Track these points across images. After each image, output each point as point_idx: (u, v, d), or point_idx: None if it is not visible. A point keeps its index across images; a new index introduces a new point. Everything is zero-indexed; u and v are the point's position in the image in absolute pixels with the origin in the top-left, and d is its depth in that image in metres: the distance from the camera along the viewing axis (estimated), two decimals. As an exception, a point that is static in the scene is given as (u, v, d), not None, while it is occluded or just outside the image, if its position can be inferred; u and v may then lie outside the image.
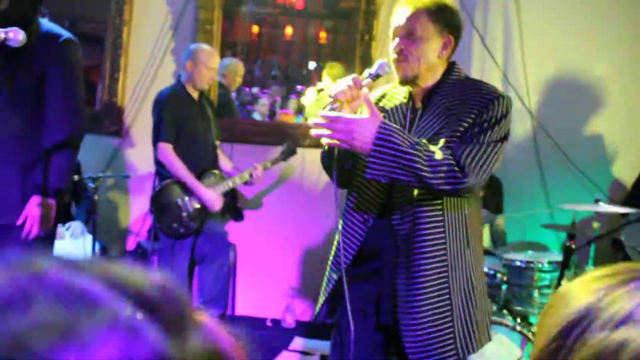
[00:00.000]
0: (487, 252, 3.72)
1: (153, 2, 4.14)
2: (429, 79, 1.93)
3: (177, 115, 3.57)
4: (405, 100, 1.98)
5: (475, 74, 4.10)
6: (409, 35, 1.88)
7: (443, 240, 1.86)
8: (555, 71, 4.16)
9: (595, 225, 3.23)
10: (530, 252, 3.45)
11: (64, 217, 3.69)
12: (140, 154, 4.15)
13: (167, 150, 3.53)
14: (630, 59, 4.13)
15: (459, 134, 1.84)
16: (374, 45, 4.21)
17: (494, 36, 4.14)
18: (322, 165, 2.04)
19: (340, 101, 1.81)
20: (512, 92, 4.12)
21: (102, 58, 4.16)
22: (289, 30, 8.13)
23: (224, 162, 3.92)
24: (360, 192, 1.98)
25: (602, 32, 4.11)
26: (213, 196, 3.58)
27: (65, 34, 2.39)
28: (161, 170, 3.62)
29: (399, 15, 1.92)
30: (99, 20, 4.24)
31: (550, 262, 3.19)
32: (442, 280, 1.86)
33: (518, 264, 3.19)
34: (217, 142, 3.87)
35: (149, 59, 4.18)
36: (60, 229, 3.60)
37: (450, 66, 1.96)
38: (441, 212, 1.87)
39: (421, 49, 1.88)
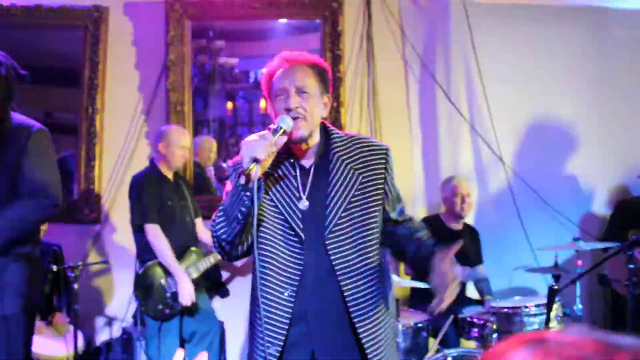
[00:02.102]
0: (476, 302, 3.71)
1: (124, 88, 4.24)
2: (315, 138, 1.94)
3: (154, 195, 3.60)
4: (289, 161, 1.95)
5: (442, 128, 4.20)
6: (300, 93, 1.88)
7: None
8: (522, 117, 4.27)
9: (579, 263, 3.24)
10: (517, 297, 3.43)
11: (45, 309, 3.64)
12: (120, 239, 4.14)
13: (156, 231, 3.54)
14: (596, 99, 4.27)
15: (388, 197, 1.96)
16: (342, 111, 4.31)
17: (458, 90, 4.27)
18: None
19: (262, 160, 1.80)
20: (481, 142, 4.22)
21: (77, 147, 4.21)
22: (263, 103, 8.32)
23: (207, 238, 3.92)
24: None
25: (566, 73, 4.27)
26: (189, 290, 3.54)
27: (36, 124, 2.43)
28: (142, 253, 3.62)
29: (287, 73, 1.91)
30: (73, 110, 4.32)
31: (537, 305, 3.17)
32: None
33: (505, 310, 3.17)
34: (198, 220, 3.88)
35: (124, 145, 4.24)
36: (38, 324, 3.54)
37: (324, 125, 2.00)
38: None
39: (313, 106, 1.89)
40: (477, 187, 4.17)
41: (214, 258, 3.73)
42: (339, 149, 1.94)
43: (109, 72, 4.24)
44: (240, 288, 4.25)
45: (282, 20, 4.88)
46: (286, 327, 1.87)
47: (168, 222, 3.63)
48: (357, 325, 1.87)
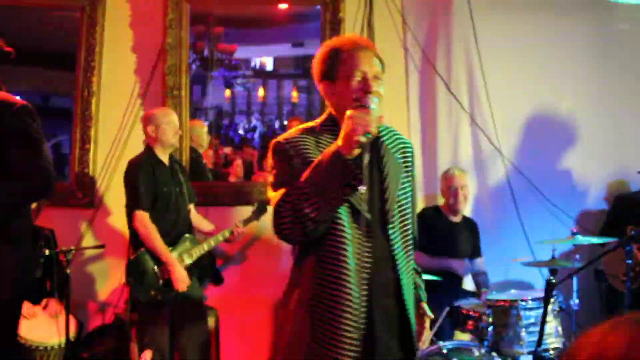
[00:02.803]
0: (472, 295, 3.68)
1: (120, 71, 4.19)
2: None
3: (149, 181, 3.56)
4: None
5: (442, 119, 4.16)
6: (376, 79, 1.92)
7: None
8: (522, 110, 4.23)
9: (576, 257, 3.22)
10: (513, 290, 3.41)
11: (37, 294, 3.60)
12: (115, 224, 4.11)
13: (144, 218, 3.49)
14: (596, 93, 4.23)
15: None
16: (341, 98, 4.26)
17: (459, 81, 4.22)
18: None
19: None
20: (480, 134, 4.18)
21: (72, 130, 4.17)
22: (261, 91, 8.26)
23: (203, 224, 3.89)
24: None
25: (566, 68, 4.22)
26: (182, 275, 3.52)
27: (19, 101, 2.38)
28: (136, 238, 3.57)
29: (366, 57, 1.94)
30: (70, 94, 4.27)
31: (534, 299, 3.15)
32: None
33: (501, 303, 3.15)
34: (192, 206, 3.84)
35: (119, 128, 4.19)
36: (30, 309, 3.50)
37: None
38: None
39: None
40: (475, 179, 4.13)
41: (207, 245, 3.70)
42: (384, 137, 2.01)
43: (105, 54, 4.18)
44: (234, 275, 4.23)
45: (283, 7, 4.82)
46: (364, 315, 1.88)
47: (163, 208, 3.59)
48: (408, 315, 1.94)
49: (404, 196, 1.99)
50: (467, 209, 3.95)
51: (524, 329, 3.08)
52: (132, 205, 3.52)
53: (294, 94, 8.45)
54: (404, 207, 1.99)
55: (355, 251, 1.88)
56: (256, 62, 7.98)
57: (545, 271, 3.59)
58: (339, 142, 1.81)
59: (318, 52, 2.03)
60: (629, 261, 2.97)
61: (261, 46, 7.70)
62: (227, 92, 7.71)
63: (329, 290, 1.87)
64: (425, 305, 2.09)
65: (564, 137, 4.22)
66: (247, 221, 3.84)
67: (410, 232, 2.01)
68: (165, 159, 3.69)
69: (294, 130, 2.03)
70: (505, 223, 4.06)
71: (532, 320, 3.11)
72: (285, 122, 8.36)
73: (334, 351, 1.85)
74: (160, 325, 3.54)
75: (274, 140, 2.01)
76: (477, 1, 4.18)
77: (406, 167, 2.03)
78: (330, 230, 1.86)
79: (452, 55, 4.20)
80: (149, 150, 3.68)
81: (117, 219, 4.01)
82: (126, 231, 3.70)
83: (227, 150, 6.41)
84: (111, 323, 4.02)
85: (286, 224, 1.83)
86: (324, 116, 2.05)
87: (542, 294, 3.14)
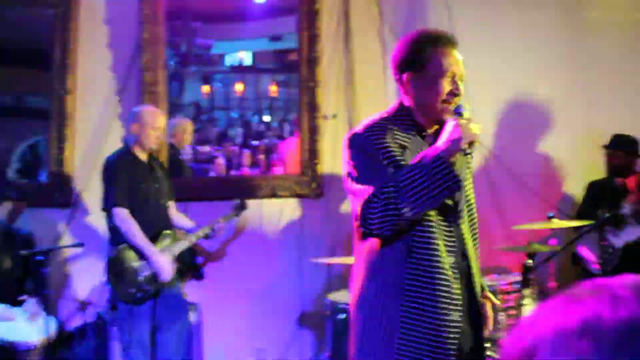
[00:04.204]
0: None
1: (96, 69, 4.15)
2: None
3: (127, 178, 3.54)
4: (422, 136, 2.02)
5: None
6: (461, 81, 2.00)
7: None
8: (499, 97, 4.28)
9: (553, 241, 3.27)
10: (493, 275, 3.45)
11: (15, 296, 3.57)
12: (93, 223, 4.08)
13: (123, 215, 3.48)
14: (571, 79, 4.29)
15: None
16: (318, 91, 4.27)
17: (435, 71, 4.24)
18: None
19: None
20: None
21: (48, 130, 4.12)
22: (239, 86, 8.24)
23: (182, 221, 3.88)
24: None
25: (541, 54, 4.27)
26: (165, 265, 3.51)
27: None
28: (114, 236, 3.56)
29: (456, 58, 1.99)
30: (44, 93, 4.22)
31: (511, 283, 3.19)
32: None
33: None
34: (171, 202, 3.83)
35: (97, 126, 4.16)
36: (9, 310, 3.47)
37: None
38: None
39: None
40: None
41: (188, 241, 3.69)
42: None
43: (80, 52, 4.14)
44: (214, 271, 4.22)
45: (259, 0, 4.81)
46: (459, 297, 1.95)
47: (141, 205, 3.57)
48: (478, 301, 2.05)
49: (469, 188, 2.09)
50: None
51: (504, 313, 3.12)
52: (110, 203, 3.50)
53: (273, 88, 8.45)
54: (469, 198, 2.09)
55: (442, 238, 1.94)
56: (234, 57, 7.96)
57: (523, 256, 3.64)
58: (441, 145, 1.85)
59: (405, 37, 2.02)
60: (605, 243, 3.03)
61: (239, 41, 7.68)
62: (205, 88, 7.68)
63: (426, 277, 1.91)
64: (489, 293, 2.17)
65: (540, 123, 4.28)
66: (226, 218, 3.84)
67: (476, 221, 2.12)
68: (143, 156, 3.68)
69: (369, 122, 2.03)
70: (482, 208, 4.09)
71: (511, 304, 3.16)
72: (265, 117, 8.36)
73: (437, 334, 1.90)
74: (141, 323, 3.52)
75: (351, 132, 2.01)
76: (452, -8, 4.21)
77: (468, 161, 2.10)
78: (419, 220, 1.92)
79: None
80: (126, 148, 3.66)
81: (96, 218, 3.98)
82: (104, 229, 3.68)
83: (207, 147, 6.40)
84: (92, 322, 4.00)
85: (376, 220, 1.86)
86: (395, 106, 2.04)
87: (519, 278, 3.19)
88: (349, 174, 1.97)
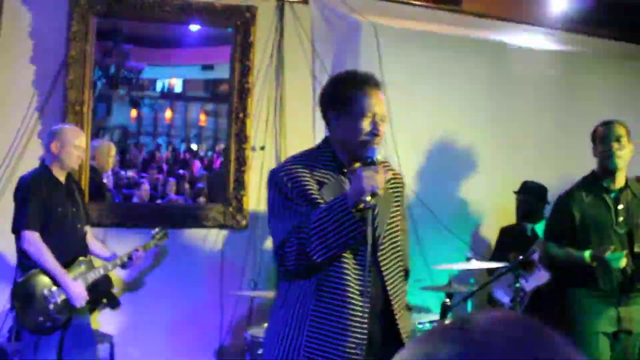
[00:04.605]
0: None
1: (16, 83, 3.97)
2: None
3: (42, 200, 3.37)
4: (342, 173, 2.06)
5: (348, 146, 4.26)
6: (382, 122, 2.04)
7: None
8: (424, 138, 4.42)
9: (471, 282, 3.35)
10: (412, 315, 3.49)
11: None
12: (1, 245, 3.83)
13: (33, 238, 3.29)
14: (493, 127, 4.49)
15: None
16: (248, 122, 4.27)
17: (364, 110, 4.33)
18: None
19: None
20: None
21: (-41, 144, 3.89)
22: (168, 113, 8.12)
23: (99, 248, 3.72)
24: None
25: (466, 102, 4.47)
26: (78, 290, 3.35)
27: None
28: (24, 261, 3.36)
29: (377, 98, 2.03)
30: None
31: (430, 322, 3.25)
32: None
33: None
34: (87, 227, 3.68)
35: (12, 143, 3.96)
36: None
37: None
38: None
39: None
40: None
41: (103, 269, 3.54)
42: None
43: (0, 64, 3.95)
44: (131, 301, 4.06)
45: (193, 28, 4.78)
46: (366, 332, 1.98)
47: (56, 228, 3.40)
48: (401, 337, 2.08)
49: (394, 225, 2.09)
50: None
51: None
52: (19, 225, 3.32)
53: (202, 117, 8.39)
54: (395, 236, 2.09)
55: (353, 274, 1.96)
56: (165, 83, 7.86)
57: (442, 295, 3.71)
58: (347, 193, 1.90)
59: (332, 77, 2.13)
60: (517, 284, 3.14)
61: (170, 67, 7.60)
62: (133, 112, 7.52)
63: (332, 311, 1.94)
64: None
65: (464, 166, 4.44)
66: (146, 247, 3.72)
67: (400, 259, 2.11)
68: (61, 177, 3.52)
69: (290, 158, 2.11)
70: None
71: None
72: (193, 146, 8.26)
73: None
74: (47, 354, 3.32)
75: (271, 171, 2.06)
76: (384, 33, 4.34)
77: (397, 199, 2.12)
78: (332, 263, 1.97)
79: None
80: (44, 167, 3.50)
81: (4, 240, 3.74)
82: (13, 253, 3.46)
83: (132, 172, 6.23)
84: (-8, 352, 3.73)
85: (291, 260, 1.94)
86: (320, 143, 2.11)
87: (438, 317, 3.25)
88: (268, 211, 2.04)
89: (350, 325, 1.94)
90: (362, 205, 1.88)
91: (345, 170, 2.05)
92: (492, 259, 4.01)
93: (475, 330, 0.57)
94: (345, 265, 1.96)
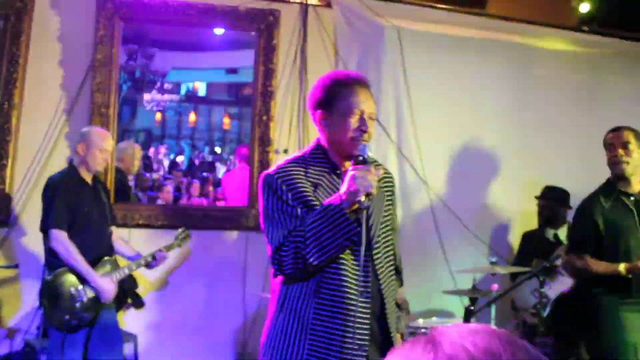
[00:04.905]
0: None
1: (46, 85, 4.05)
2: None
3: (69, 200, 3.42)
4: (336, 174, 2.06)
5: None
6: (371, 120, 2.03)
7: None
8: (447, 142, 4.40)
9: (495, 287, 3.32)
10: (434, 318, 3.48)
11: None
12: (31, 244, 3.91)
13: (61, 237, 3.35)
14: (517, 131, 4.45)
15: None
16: (272, 125, 4.29)
17: (387, 112, 4.34)
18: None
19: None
20: (406, 164, 4.30)
21: (-10, 144, 3.97)
22: (192, 116, 8.20)
23: (123, 247, 3.76)
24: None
25: (490, 106, 4.43)
26: (107, 285, 3.40)
27: None
28: (51, 259, 3.41)
29: (365, 96, 2.03)
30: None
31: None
32: None
33: (423, 330, 3.20)
34: (113, 227, 3.73)
35: (41, 144, 4.03)
36: None
37: None
38: None
39: None
40: (401, 208, 4.23)
41: (128, 269, 3.58)
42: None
43: (30, 67, 4.03)
44: (155, 301, 4.10)
45: (218, 32, 4.83)
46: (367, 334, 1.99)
47: (83, 228, 3.45)
48: (392, 337, 2.07)
49: (386, 225, 2.09)
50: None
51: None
52: (47, 223, 3.37)
53: (226, 120, 8.47)
54: (387, 236, 2.10)
55: (352, 276, 1.96)
56: (189, 86, 7.95)
57: (466, 299, 3.69)
58: (341, 195, 1.89)
59: (319, 79, 2.10)
60: (541, 290, 3.10)
61: (194, 71, 7.69)
62: (158, 116, 7.62)
63: (333, 313, 1.94)
64: (397, 335, 2.15)
65: (487, 170, 4.41)
66: (170, 247, 3.76)
67: (393, 258, 2.11)
68: (88, 178, 3.57)
69: (283, 161, 2.09)
70: (428, 251, 4.16)
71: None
72: (217, 149, 8.33)
73: None
74: (73, 352, 3.36)
75: (264, 173, 2.05)
76: (407, 37, 4.34)
77: (388, 197, 2.13)
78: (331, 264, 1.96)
79: (382, 87, 4.32)
80: (71, 168, 3.56)
81: (34, 239, 3.82)
82: (42, 252, 3.53)
83: (156, 175, 6.31)
84: (20, 350, 3.79)
85: (288, 264, 1.94)
86: (312, 145, 2.10)
87: (461, 322, 3.23)
88: (262, 214, 2.04)
89: (352, 326, 1.93)
90: (356, 206, 1.88)
91: (339, 171, 2.05)
92: (515, 264, 3.97)
93: (443, 343, 0.57)
94: (343, 267, 1.96)
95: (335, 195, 1.93)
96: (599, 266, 3.11)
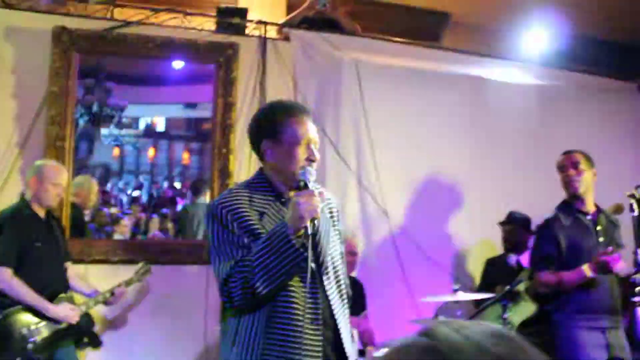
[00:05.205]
0: (361, 354, 3.68)
1: (-3, 119, 3.95)
2: None
3: (20, 235, 3.32)
4: (280, 201, 2.06)
5: (330, 180, 4.26)
6: (316, 147, 2.07)
7: None
8: (408, 173, 4.45)
9: (458, 313, 3.33)
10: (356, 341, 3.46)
11: None
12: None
13: (6, 275, 3.23)
14: (472, 159, 4.54)
15: None
16: (231, 158, 4.27)
17: (347, 144, 4.37)
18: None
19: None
20: (367, 194, 4.32)
21: (-64, 181, 3.82)
22: (151, 152, 8.11)
23: (80, 284, 3.65)
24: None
25: (449, 137, 4.52)
26: (64, 310, 3.28)
27: None
28: (1, 299, 3.28)
29: (311, 125, 2.06)
30: None
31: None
32: None
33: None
34: (68, 264, 3.61)
35: (-8, 179, 3.91)
36: None
37: None
38: None
39: None
40: (362, 238, 4.23)
41: (85, 306, 3.47)
42: None
43: (-19, 99, 3.94)
44: (112, 338, 3.97)
45: (177, 66, 4.82)
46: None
47: (36, 265, 3.34)
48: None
49: (334, 250, 2.09)
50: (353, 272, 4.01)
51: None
52: None
53: (185, 155, 8.39)
54: (335, 260, 2.08)
55: (302, 304, 1.94)
56: (147, 121, 7.88)
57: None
58: (286, 221, 1.89)
59: (262, 108, 2.13)
60: (505, 315, 3.13)
61: (153, 105, 7.63)
62: (116, 151, 7.50)
63: (285, 345, 1.93)
64: None
65: (446, 199, 4.47)
66: (129, 282, 3.66)
67: (342, 283, 2.11)
68: (41, 213, 3.47)
69: (227, 191, 2.09)
70: (390, 281, 4.16)
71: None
72: (176, 184, 8.23)
73: None
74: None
75: (209, 203, 2.04)
76: (365, 69, 4.41)
77: (334, 223, 2.13)
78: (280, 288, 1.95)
79: (341, 118, 4.37)
80: (23, 202, 3.45)
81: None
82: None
83: (114, 209, 6.17)
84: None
85: (237, 295, 1.91)
86: (255, 174, 2.11)
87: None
88: (210, 245, 2.03)
89: (306, 355, 1.92)
90: (302, 232, 1.88)
91: (284, 199, 2.05)
92: (479, 290, 4.00)
93: (442, 343, 0.56)
94: (292, 294, 1.95)
95: (281, 222, 1.93)
96: (569, 275, 3.18)
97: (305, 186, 1.93)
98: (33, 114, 3.98)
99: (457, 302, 3.49)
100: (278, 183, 2.06)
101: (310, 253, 1.88)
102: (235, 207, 1.98)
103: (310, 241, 1.88)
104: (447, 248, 4.37)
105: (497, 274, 4.11)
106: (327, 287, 2.02)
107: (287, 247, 1.87)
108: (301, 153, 2.00)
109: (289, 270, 1.89)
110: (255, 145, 2.08)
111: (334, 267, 2.08)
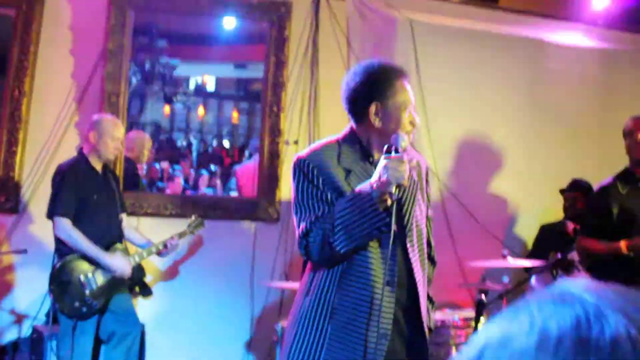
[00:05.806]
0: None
1: (56, 73, 4.04)
2: None
3: (78, 188, 3.42)
4: (369, 161, 2.04)
5: (382, 141, 4.23)
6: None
7: None
8: (459, 136, 4.37)
9: (506, 280, 3.30)
10: (445, 310, 3.46)
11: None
12: (40, 231, 3.90)
13: (65, 224, 3.34)
14: (528, 125, 4.42)
15: None
16: (282, 116, 4.27)
17: (398, 106, 4.31)
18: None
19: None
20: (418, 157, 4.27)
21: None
22: (201, 110, 8.19)
23: (134, 235, 3.76)
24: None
25: (502, 99, 4.40)
26: (119, 262, 3.40)
27: None
28: (60, 247, 3.41)
29: (410, 89, 2.03)
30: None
31: (465, 319, 3.20)
32: None
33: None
34: (123, 216, 3.72)
35: (51, 132, 4.03)
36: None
37: None
38: None
39: None
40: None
41: (138, 257, 3.58)
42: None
43: (41, 55, 4.03)
44: (163, 290, 4.09)
45: (227, 25, 4.81)
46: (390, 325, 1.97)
47: (93, 216, 3.45)
48: (423, 330, 2.11)
49: (420, 214, 2.07)
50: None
51: (454, 347, 3.12)
52: (51, 211, 3.37)
53: (235, 115, 8.44)
54: (420, 224, 2.06)
55: (378, 266, 1.93)
56: (197, 80, 7.94)
57: (477, 292, 3.66)
58: (373, 183, 1.87)
59: (364, 71, 2.02)
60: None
61: (204, 64, 7.67)
62: (167, 109, 7.61)
63: (355, 301, 1.93)
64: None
65: (497, 164, 4.38)
66: (182, 235, 3.74)
67: (424, 250, 2.10)
68: (98, 166, 3.56)
69: (316, 144, 2.08)
70: (438, 244, 4.12)
71: (462, 340, 3.15)
72: (225, 142, 8.32)
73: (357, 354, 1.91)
74: (84, 338, 3.36)
75: (296, 157, 2.03)
76: (419, 29, 4.31)
77: (422, 186, 2.11)
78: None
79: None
80: (81, 156, 3.55)
81: (43, 226, 3.81)
82: (51, 239, 3.52)
83: (164, 165, 6.30)
84: (27, 336, 3.79)
85: (314, 250, 1.93)
86: (346, 131, 2.08)
87: (472, 314, 3.20)
88: (292, 198, 2.03)
89: (374, 315, 1.91)
90: (387, 197, 1.86)
91: (372, 159, 2.02)
92: (530, 256, 3.93)
93: (587, 299, 0.47)
94: (370, 255, 1.94)
95: (367, 183, 1.90)
96: (600, 246, 3.09)
97: (397, 151, 1.88)
98: (89, 71, 4.06)
99: (505, 268, 3.45)
100: (373, 144, 2.02)
101: (393, 218, 1.85)
102: (322, 163, 1.97)
103: (395, 206, 1.86)
104: (497, 213, 4.30)
105: (552, 240, 4.01)
106: (410, 252, 2.00)
107: (370, 210, 1.86)
108: (405, 117, 1.98)
109: (370, 232, 1.88)
110: (359, 106, 2.01)
111: (419, 232, 2.06)
